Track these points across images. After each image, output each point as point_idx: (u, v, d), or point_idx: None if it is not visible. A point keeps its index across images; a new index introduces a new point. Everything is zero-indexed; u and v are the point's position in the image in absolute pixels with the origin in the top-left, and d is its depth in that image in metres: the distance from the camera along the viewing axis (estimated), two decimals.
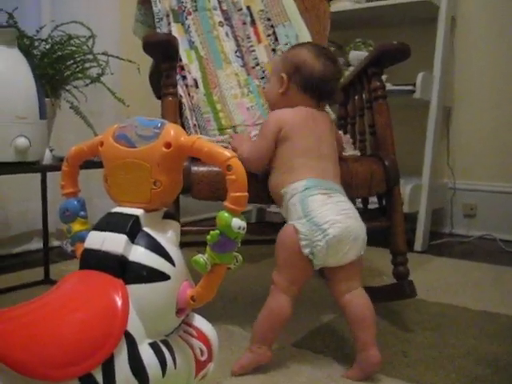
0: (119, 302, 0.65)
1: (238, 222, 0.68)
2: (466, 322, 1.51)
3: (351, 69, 2.56)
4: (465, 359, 1.27)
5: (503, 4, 2.60)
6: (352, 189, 1.36)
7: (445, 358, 1.28)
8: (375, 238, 1.56)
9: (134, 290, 0.67)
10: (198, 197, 1.28)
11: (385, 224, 1.48)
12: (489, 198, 2.66)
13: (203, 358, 0.77)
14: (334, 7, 2.43)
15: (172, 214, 0.77)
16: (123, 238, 0.68)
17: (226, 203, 0.68)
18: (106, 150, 0.75)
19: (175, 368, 0.70)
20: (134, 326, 0.66)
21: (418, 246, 2.38)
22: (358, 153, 1.54)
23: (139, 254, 0.69)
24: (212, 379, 1.12)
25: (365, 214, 1.71)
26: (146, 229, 0.72)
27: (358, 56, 2.56)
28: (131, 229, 0.70)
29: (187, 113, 1.61)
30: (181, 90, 1.61)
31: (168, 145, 0.71)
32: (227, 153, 0.69)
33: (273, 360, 1.22)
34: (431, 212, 2.50)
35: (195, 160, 1.27)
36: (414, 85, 2.38)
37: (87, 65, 1.65)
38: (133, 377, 0.64)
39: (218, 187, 1.26)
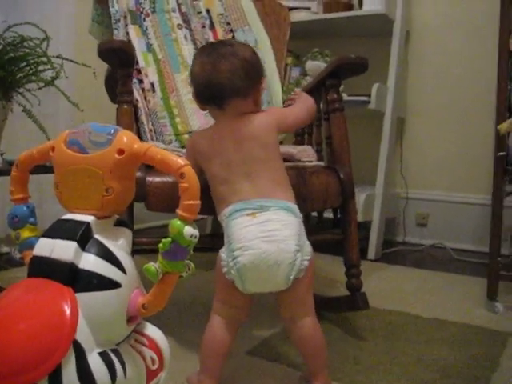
0: (68, 310, 0.63)
1: (190, 230, 0.67)
2: (416, 330, 1.54)
3: (307, 78, 2.60)
4: (415, 365, 1.30)
5: (456, 19, 2.68)
6: (308, 202, 1.36)
7: (395, 365, 1.30)
8: (331, 247, 1.58)
9: (84, 298, 0.66)
10: (152, 208, 1.26)
11: (338, 237, 1.49)
12: (440, 207, 2.73)
13: (154, 367, 0.76)
14: (292, 17, 2.44)
15: (124, 222, 0.76)
16: (73, 245, 0.67)
17: (178, 211, 0.68)
18: (58, 155, 0.74)
19: (125, 377, 0.69)
20: (83, 335, 0.65)
21: (371, 254, 2.42)
22: (321, 163, 1.53)
23: (90, 262, 0.68)
24: None
25: (319, 225, 1.75)
26: (97, 236, 0.71)
27: (314, 66, 2.59)
28: (82, 236, 0.69)
29: (143, 118, 1.60)
30: (137, 94, 1.60)
31: (121, 151, 0.70)
32: (180, 161, 0.68)
33: (226, 368, 1.21)
34: (384, 221, 2.55)
35: (150, 170, 1.26)
36: (369, 96, 2.43)
37: (41, 67, 1.62)
38: None
39: (173, 199, 1.24)
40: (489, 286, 1.76)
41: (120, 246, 0.73)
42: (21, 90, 1.62)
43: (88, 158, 0.71)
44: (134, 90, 1.55)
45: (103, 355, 0.67)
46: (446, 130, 2.72)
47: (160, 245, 0.68)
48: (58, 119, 2.19)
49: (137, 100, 1.58)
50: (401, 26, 2.58)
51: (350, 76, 1.56)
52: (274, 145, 1.19)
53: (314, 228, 1.75)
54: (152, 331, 0.79)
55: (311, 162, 1.50)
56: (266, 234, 1.06)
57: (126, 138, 0.71)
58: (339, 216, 1.55)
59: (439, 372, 1.27)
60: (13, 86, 1.60)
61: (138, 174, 1.26)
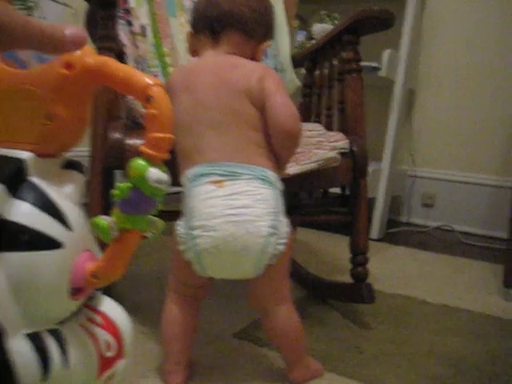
0: None
1: (156, 174, 0.49)
2: (425, 317, 1.38)
3: (313, 42, 2.41)
4: (425, 358, 1.14)
5: None
6: (313, 179, 1.17)
7: (403, 356, 1.14)
8: (336, 224, 1.41)
9: (10, 259, 0.49)
10: None
11: (345, 218, 1.31)
12: (448, 187, 2.56)
13: (110, 354, 0.59)
14: None
15: (75, 163, 0.58)
16: None
17: (142, 147, 0.50)
18: None
19: (66, 367, 0.52)
20: (5, 309, 0.48)
21: (374, 233, 2.25)
22: (338, 156, 1.20)
23: (20, 212, 0.50)
24: (129, 379, 0.96)
25: (323, 204, 1.57)
26: (34, 179, 0.52)
27: (322, 29, 2.40)
28: (11, 177, 0.51)
29: (131, 65, 1.40)
30: (125, 38, 1.38)
31: (68, 65, 0.52)
32: (148, 79, 0.50)
33: (212, 352, 1.08)
34: (390, 199, 2.38)
35: (129, 132, 1.08)
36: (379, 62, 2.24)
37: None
38: None
39: None
40: (505, 273, 1.60)
41: (66, 194, 0.55)
42: None
43: (26, 74, 0.53)
44: (122, 33, 1.35)
45: (33, 337, 0.50)
46: (460, 105, 2.53)
47: (116, 191, 0.50)
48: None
49: (124, 45, 1.37)
50: None
51: (371, 32, 1.36)
52: (261, 101, 0.94)
53: (317, 205, 1.57)
54: (109, 307, 0.61)
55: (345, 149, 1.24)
56: (234, 211, 0.86)
57: None
58: (347, 193, 1.37)
59: (454, 366, 1.11)
60: None
61: (116, 135, 1.08)
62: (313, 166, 1.14)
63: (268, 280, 0.94)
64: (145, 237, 0.54)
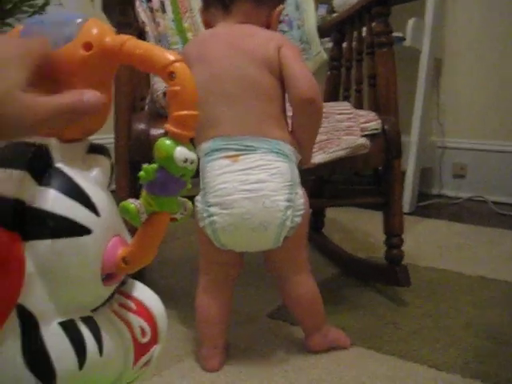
0: (8, 265, 0.45)
1: (183, 153, 0.47)
2: (462, 289, 1.35)
3: (335, 16, 2.35)
4: (464, 331, 1.12)
5: None
6: (344, 162, 1.15)
7: (441, 330, 1.12)
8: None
9: (38, 247, 0.47)
10: None
11: (379, 200, 1.28)
12: (480, 157, 2.49)
13: (145, 340, 0.58)
14: None
15: (101, 148, 0.56)
16: (20, 175, 0.48)
17: (167, 126, 0.48)
18: None
19: (101, 354, 0.51)
20: (36, 298, 0.47)
21: (405, 207, 2.21)
22: (367, 143, 1.17)
23: (46, 199, 0.49)
24: (163, 363, 0.96)
25: (355, 182, 1.54)
26: (59, 165, 0.51)
27: (344, 1, 2.34)
28: (35, 163, 0.49)
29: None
30: (144, 16, 1.35)
31: (88, 46, 0.50)
32: (169, 55, 0.48)
33: (247, 333, 1.08)
34: (420, 171, 2.33)
35: (154, 122, 1.06)
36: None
37: None
38: (29, 372, 0.44)
39: None
40: None
41: (93, 178, 0.53)
42: (9, 20, 1.42)
43: None
44: (141, 11, 1.32)
45: (67, 326, 0.49)
46: (488, 71, 2.45)
47: (142, 173, 0.48)
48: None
49: (143, 23, 1.34)
50: None
51: (402, 2, 1.32)
52: (278, 70, 0.93)
53: (349, 183, 1.54)
54: (142, 293, 0.60)
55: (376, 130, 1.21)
56: (249, 186, 0.86)
57: (95, 29, 0.51)
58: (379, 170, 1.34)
59: (493, 339, 1.08)
60: (0, 16, 1.40)
61: (141, 126, 1.07)
62: (340, 153, 1.12)
63: (285, 250, 0.94)
64: (175, 219, 0.52)
